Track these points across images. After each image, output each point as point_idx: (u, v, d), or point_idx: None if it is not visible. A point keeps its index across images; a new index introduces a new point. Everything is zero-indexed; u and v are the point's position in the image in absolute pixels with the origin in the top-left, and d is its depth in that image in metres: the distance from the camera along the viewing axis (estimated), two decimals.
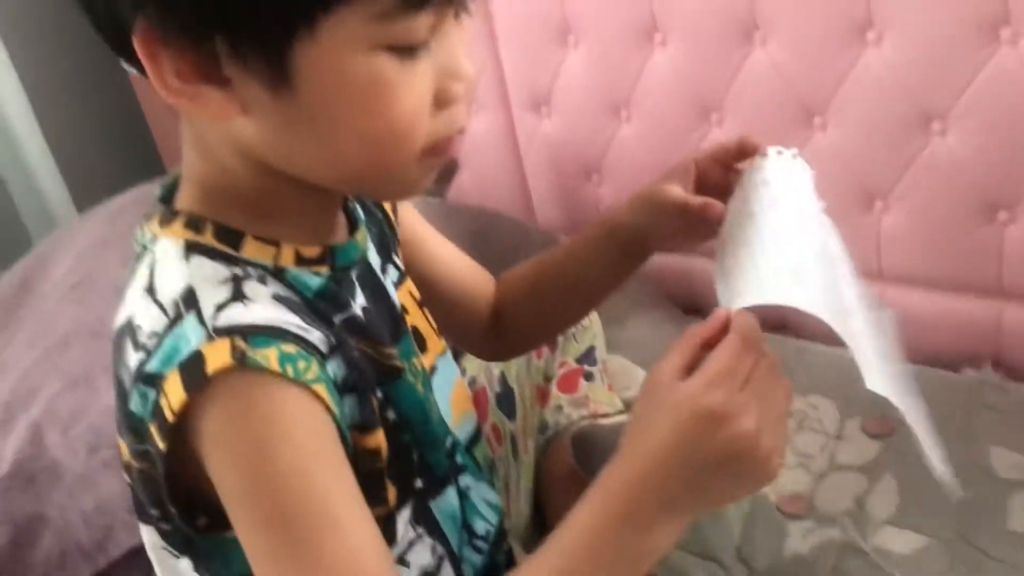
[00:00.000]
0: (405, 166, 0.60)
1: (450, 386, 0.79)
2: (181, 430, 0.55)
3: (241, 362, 0.54)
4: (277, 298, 0.59)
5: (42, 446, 1.15)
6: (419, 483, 0.72)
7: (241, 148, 0.60)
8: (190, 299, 0.57)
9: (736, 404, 0.57)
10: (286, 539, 0.54)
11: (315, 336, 0.59)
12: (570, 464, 1.03)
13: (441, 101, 0.59)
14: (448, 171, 1.59)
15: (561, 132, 1.51)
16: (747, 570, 0.97)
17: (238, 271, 0.60)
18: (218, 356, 0.54)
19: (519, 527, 1.04)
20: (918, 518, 0.99)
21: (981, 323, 1.22)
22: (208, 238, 0.61)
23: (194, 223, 0.61)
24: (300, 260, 0.64)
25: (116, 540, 1.11)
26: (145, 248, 0.63)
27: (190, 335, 0.55)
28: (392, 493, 0.67)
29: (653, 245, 0.81)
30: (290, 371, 0.55)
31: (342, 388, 0.61)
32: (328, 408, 0.57)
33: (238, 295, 0.58)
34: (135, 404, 0.57)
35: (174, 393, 0.54)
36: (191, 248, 0.60)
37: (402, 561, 0.70)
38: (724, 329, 0.60)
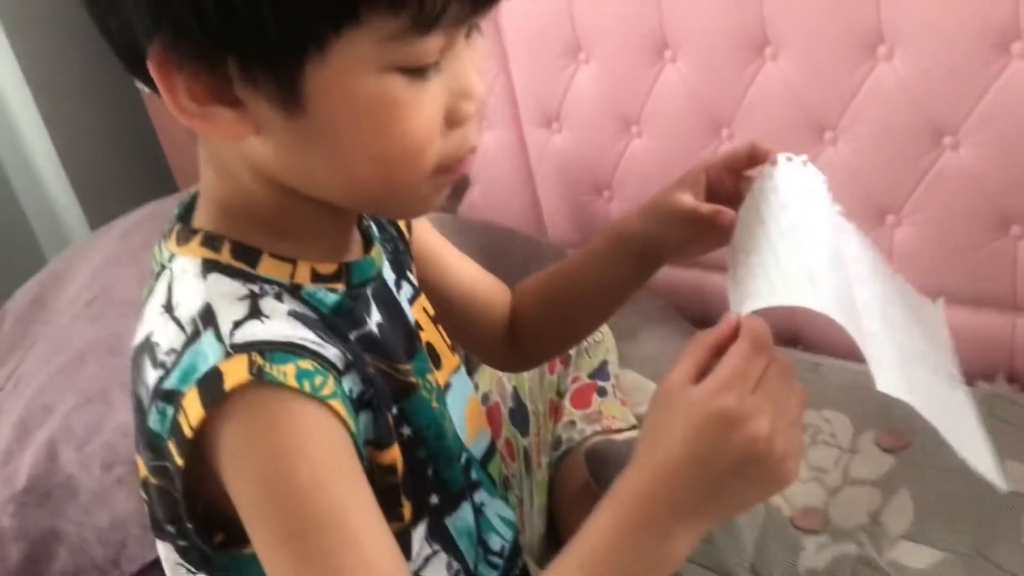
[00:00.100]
0: (416, 185, 0.61)
1: (464, 402, 0.79)
2: (199, 446, 0.56)
3: (259, 378, 0.54)
4: (293, 314, 0.60)
5: (57, 462, 1.16)
6: (434, 499, 0.72)
7: (255, 167, 0.61)
8: (208, 316, 0.57)
9: (748, 407, 0.57)
10: (304, 554, 0.55)
11: (331, 352, 0.59)
12: (584, 479, 1.02)
13: (452, 120, 0.60)
14: (460, 187, 1.59)
15: (572, 147, 1.51)
16: None
17: (255, 288, 0.60)
18: (236, 372, 0.54)
19: (533, 543, 1.04)
20: (934, 532, 0.99)
21: (994, 337, 1.22)
22: (225, 256, 0.61)
23: (211, 241, 0.62)
24: (316, 277, 0.64)
25: (130, 556, 1.11)
26: (163, 266, 0.64)
27: (208, 352, 0.56)
28: (407, 509, 0.67)
29: (665, 253, 0.81)
30: (307, 387, 0.55)
31: (358, 404, 0.61)
32: (345, 423, 0.57)
33: (255, 312, 0.58)
34: (153, 421, 0.58)
35: (192, 409, 0.55)
36: (208, 266, 0.61)
37: None
38: (734, 333, 0.60)
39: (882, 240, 1.24)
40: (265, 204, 0.62)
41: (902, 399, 0.60)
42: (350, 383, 0.60)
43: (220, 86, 0.55)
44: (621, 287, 0.85)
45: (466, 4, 0.55)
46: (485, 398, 1.12)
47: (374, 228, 0.74)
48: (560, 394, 1.16)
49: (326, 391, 0.56)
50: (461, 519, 0.76)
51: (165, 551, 0.65)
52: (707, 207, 0.75)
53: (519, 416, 1.11)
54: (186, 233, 0.63)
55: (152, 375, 0.58)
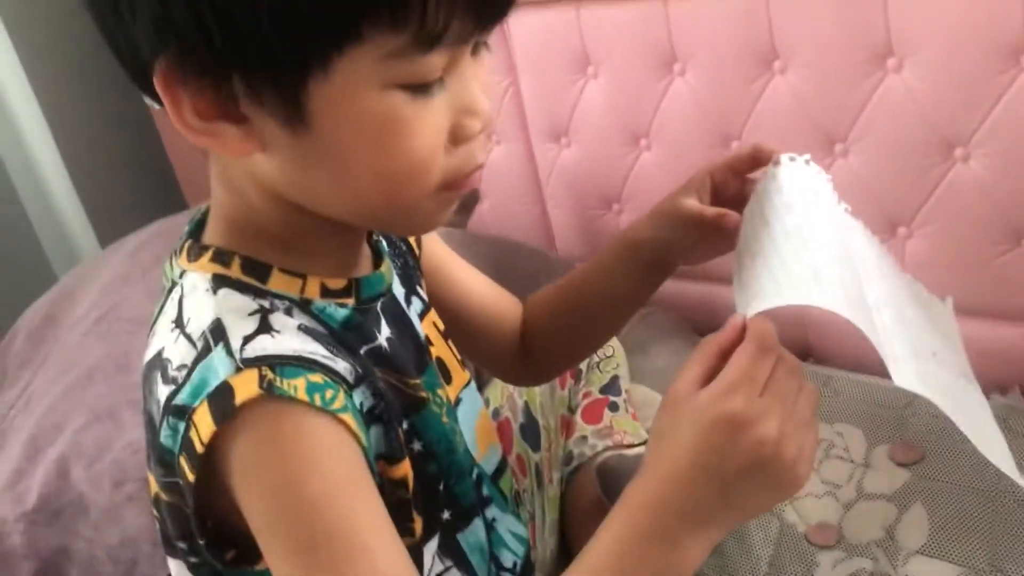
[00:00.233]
0: (421, 202, 0.61)
1: (475, 417, 0.79)
2: (210, 461, 0.56)
3: (269, 392, 0.54)
4: (303, 329, 0.60)
5: (68, 480, 1.16)
6: (446, 515, 0.72)
7: (262, 184, 0.61)
8: (218, 331, 0.57)
9: (756, 410, 0.56)
10: (316, 566, 0.54)
11: (341, 366, 0.59)
12: (596, 495, 1.02)
13: (457, 137, 0.60)
14: (469, 201, 1.59)
15: (581, 161, 1.51)
16: None
17: (265, 303, 0.60)
18: (246, 387, 0.54)
19: (545, 559, 1.03)
20: (949, 547, 0.98)
21: (1008, 349, 1.21)
22: (235, 271, 0.61)
23: (221, 257, 0.62)
24: (325, 292, 0.64)
25: (141, 574, 1.11)
26: (174, 282, 0.64)
27: (218, 367, 0.56)
28: (419, 524, 0.67)
29: (674, 259, 0.81)
30: (318, 400, 0.55)
31: (368, 418, 0.61)
32: (356, 437, 0.57)
33: (265, 327, 0.58)
34: (165, 437, 0.58)
35: (203, 424, 0.55)
36: (219, 281, 0.61)
37: None
38: (740, 336, 0.60)
39: (894, 252, 1.23)
40: (273, 220, 0.63)
41: (920, 393, 0.59)
42: (360, 397, 0.60)
43: (225, 103, 0.55)
44: (632, 295, 0.85)
45: (468, 22, 0.55)
46: (496, 413, 1.11)
47: (384, 243, 0.74)
48: (571, 409, 1.16)
49: (337, 405, 0.56)
50: (473, 535, 0.75)
51: (176, 568, 0.65)
52: (712, 210, 0.75)
53: (530, 431, 1.11)
54: (197, 249, 0.63)
55: (163, 391, 0.58)
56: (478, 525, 0.76)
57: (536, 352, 0.91)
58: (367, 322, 0.67)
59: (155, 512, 0.64)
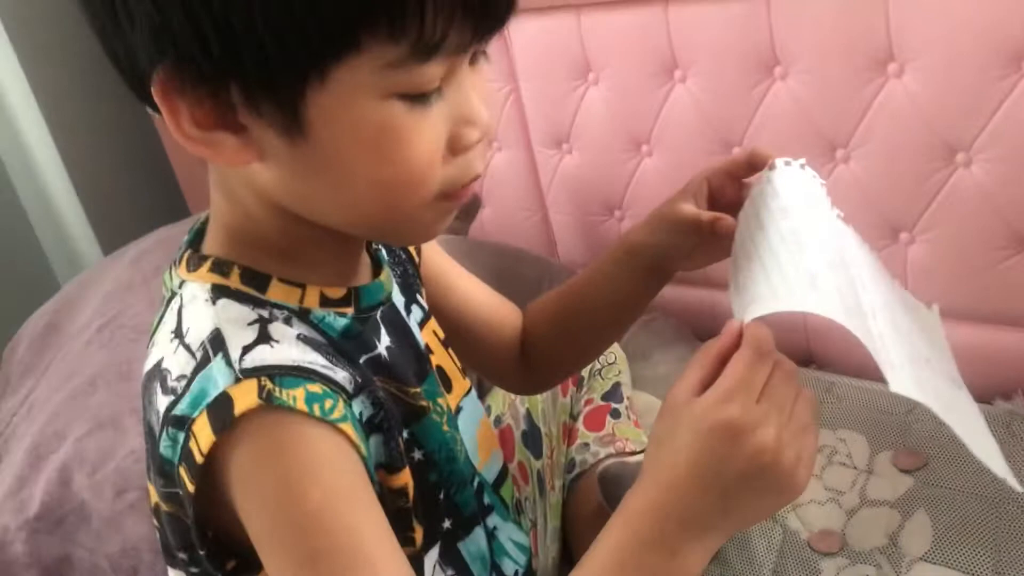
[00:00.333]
0: (418, 211, 0.61)
1: (476, 426, 0.79)
2: (210, 472, 0.56)
3: (268, 402, 0.54)
4: (302, 339, 0.60)
5: (70, 488, 1.16)
6: (447, 523, 0.72)
7: (260, 193, 0.61)
8: (217, 341, 0.57)
9: (753, 416, 0.56)
10: None
11: (341, 376, 0.59)
12: (597, 502, 1.02)
13: (455, 147, 0.60)
14: (470, 208, 1.59)
15: (582, 168, 1.51)
16: None
17: (264, 313, 0.60)
18: (245, 397, 0.54)
19: (547, 566, 1.03)
20: (953, 553, 0.98)
21: (1011, 354, 1.21)
22: (234, 281, 0.61)
23: (220, 267, 0.62)
24: (325, 301, 0.64)
25: None
26: (174, 292, 0.64)
27: (217, 377, 0.56)
28: (419, 534, 0.67)
29: (672, 264, 0.81)
30: (317, 410, 0.55)
31: (368, 427, 0.61)
32: (355, 447, 0.57)
33: (264, 337, 0.58)
34: (165, 447, 0.58)
35: (203, 435, 0.55)
36: (218, 291, 0.61)
37: None
38: (738, 342, 0.60)
39: (896, 257, 1.23)
40: (272, 229, 0.63)
41: (917, 399, 0.58)
42: (360, 406, 0.60)
43: (223, 112, 0.55)
44: (631, 301, 0.85)
45: (466, 32, 0.55)
46: (498, 421, 1.11)
47: (383, 252, 0.74)
48: (573, 416, 1.16)
49: (336, 415, 0.56)
50: (474, 543, 0.75)
51: None
52: (708, 215, 0.75)
53: (532, 439, 1.11)
54: (196, 259, 0.63)
55: (163, 401, 0.58)
56: (479, 534, 0.76)
57: (536, 360, 0.91)
58: (367, 331, 0.67)
59: (155, 522, 0.64)
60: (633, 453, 1.11)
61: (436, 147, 0.58)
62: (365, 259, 0.71)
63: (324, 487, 0.55)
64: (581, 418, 1.15)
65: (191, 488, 0.56)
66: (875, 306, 0.65)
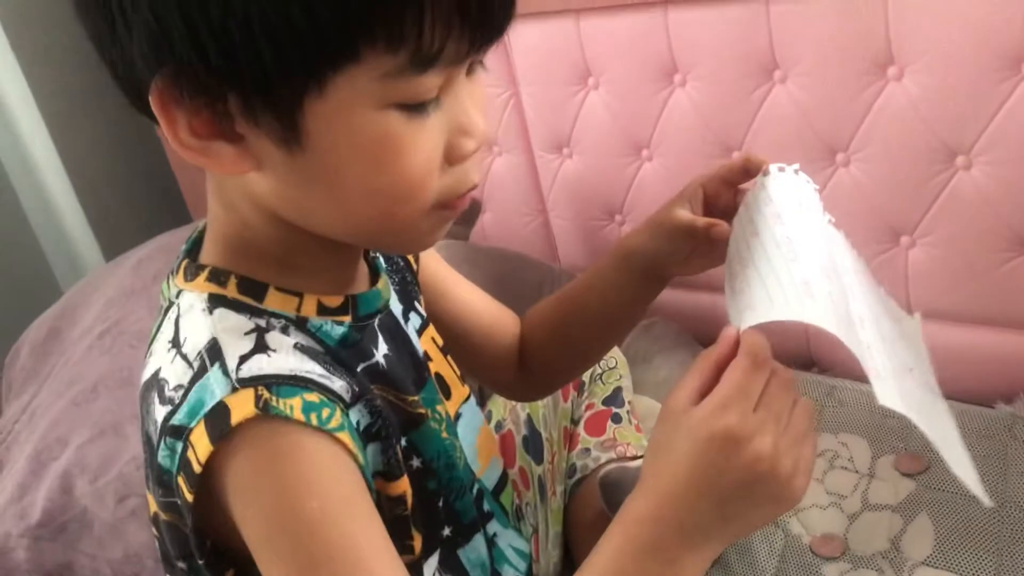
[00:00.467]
0: (415, 220, 0.61)
1: (475, 433, 0.79)
2: (208, 481, 0.56)
3: (265, 412, 0.54)
4: (299, 348, 0.60)
5: (71, 495, 1.16)
6: (446, 531, 0.72)
7: (257, 202, 0.61)
8: (214, 351, 0.57)
9: (750, 426, 0.56)
10: None
11: (338, 384, 0.59)
12: (599, 507, 1.02)
13: (452, 157, 0.60)
14: (471, 213, 1.59)
15: (583, 172, 1.51)
16: None
17: (261, 322, 0.60)
18: (242, 406, 0.54)
19: (549, 572, 1.03)
20: (955, 557, 0.97)
21: (1013, 357, 1.20)
22: (231, 290, 0.61)
23: (217, 276, 0.62)
24: (322, 310, 0.64)
25: None
26: (171, 302, 0.64)
27: (215, 387, 0.56)
28: (418, 541, 0.67)
29: (669, 269, 0.81)
30: (314, 420, 0.55)
31: (365, 436, 0.61)
32: (353, 455, 0.57)
33: (261, 346, 0.58)
34: (163, 457, 0.58)
35: (200, 444, 0.55)
36: (215, 301, 0.61)
37: None
38: (735, 350, 0.60)
39: (897, 261, 1.23)
40: (269, 238, 0.63)
41: (901, 413, 0.59)
42: (357, 415, 0.60)
43: (221, 121, 0.55)
44: (629, 306, 0.85)
45: (464, 43, 0.55)
46: (499, 426, 1.11)
47: (381, 259, 0.74)
48: (574, 421, 1.16)
49: (333, 424, 0.56)
50: (474, 550, 0.75)
51: None
52: (703, 221, 0.75)
53: (533, 444, 1.10)
54: (193, 269, 0.63)
55: (160, 411, 0.58)
56: (479, 541, 0.76)
57: (535, 366, 0.91)
58: (364, 339, 0.67)
59: (155, 531, 0.64)
60: (634, 458, 1.11)
61: (433, 157, 0.58)
62: (362, 267, 0.71)
63: (321, 496, 0.55)
64: (582, 423, 1.15)
65: (189, 497, 0.56)
66: (863, 315, 0.65)
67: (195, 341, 0.59)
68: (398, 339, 0.71)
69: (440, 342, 0.79)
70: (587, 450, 1.11)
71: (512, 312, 0.92)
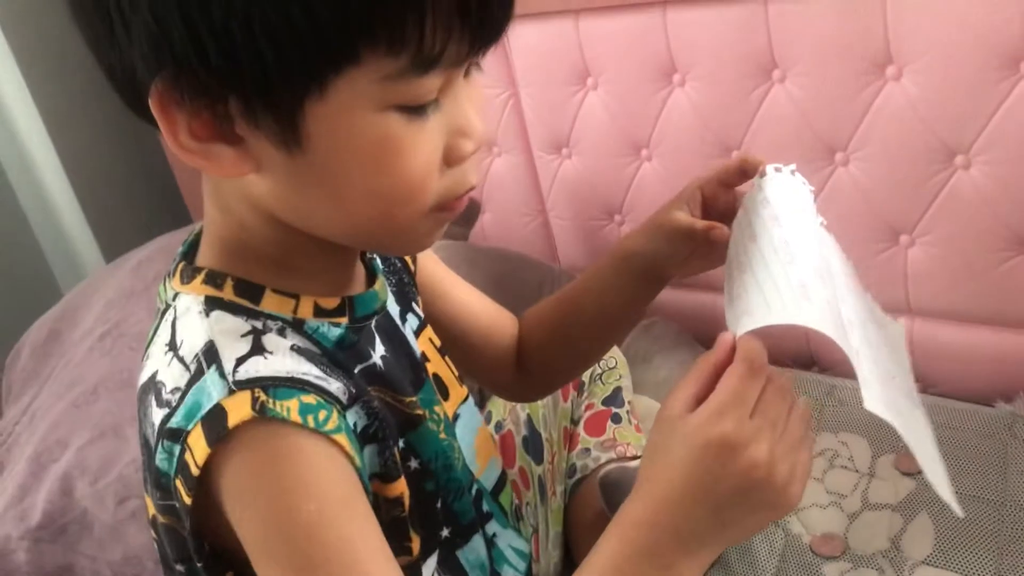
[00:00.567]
0: (414, 222, 0.61)
1: (473, 433, 0.79)
2: (206, 484, 0.56)
3: (262, 414, 0.54)
4: (296, 349, 0.60)
5: (72, 497, 1.16)
6: (445, 532, 0.72)
7: (255, 204, 0.61)
8: (211, 354, 0.57)
9: (746, 432, 0.56)
10: None
11: (335, 386, 0.59)
12: (599, 507, 1.02)
13: (451, 158, 0.60)
14: (470, 213, 1.59)
15: (582, 173, 1.51)
16: None
17: (257, 324, 0.60)
18: (239, 409, 0.54)
19: (549, 572, 1.03)
20: (955, 557, 0.97)
21: (1012, 356, 1.20)
22: (228, 293, 0.61)
23: (214, 279, 0.62)
24: (319, 312, 0.64)
25: None
26: (168, 304, 0.64)
27: (211, 389, 0.56)
28: (416, 542, 0.67)
29: (667, 271, 0.81)
30: (311, 422, 0.55)
31: (362, 438, 0.61)
32: (350, 457, 0.57)
33: (258, 348, 0.58)
34: (161, 460, 0.58)
35: (198, 447, 0.55)
36: (211, 303, 0.61)
37: None
38: (732, 355, 0.60)
39: (896, 260, 1.23)
40: (266, 240, 0.63)
41: (886, 419, 0.59)
42: (354, 417, 0.60)
43: (221, 124, 0.55)
44: (627, 307, 0.85)
45: (464, 45, 0.55)
46: (499, 426, 1.11)
47: (378, 261, 0.74)
48: (574, 421, 1.16)
49: (330, 426, 0.56)
50: (473, 551, 0.75)
51: None
52: (701, 223, 0.75)
53: (533, 444, 1.10)
54: (189, 271, 0.63)
55: (158, 414, 0.58)
56: (478, 541, 0.76)
57: (533, 367, 0.91)
58: (361, 341, 0.67)
59: (153, 534, 0.64)
60: (634, 458, 1.11)
61: (433, 159, 0.58)
62: (359, 269, 0.71)
63: (318, 499, 0.55)
64: (582, 423, 1.15)
65: (187, 500, 0.56)
66: (851, 319, 0.65)
67: (192, 344, 0.59)
68: (395, 340, 0.71)
69: (438, 343, 0.79)
70: (587, 450, 1.11)
71: (510, 313, 0.92)
